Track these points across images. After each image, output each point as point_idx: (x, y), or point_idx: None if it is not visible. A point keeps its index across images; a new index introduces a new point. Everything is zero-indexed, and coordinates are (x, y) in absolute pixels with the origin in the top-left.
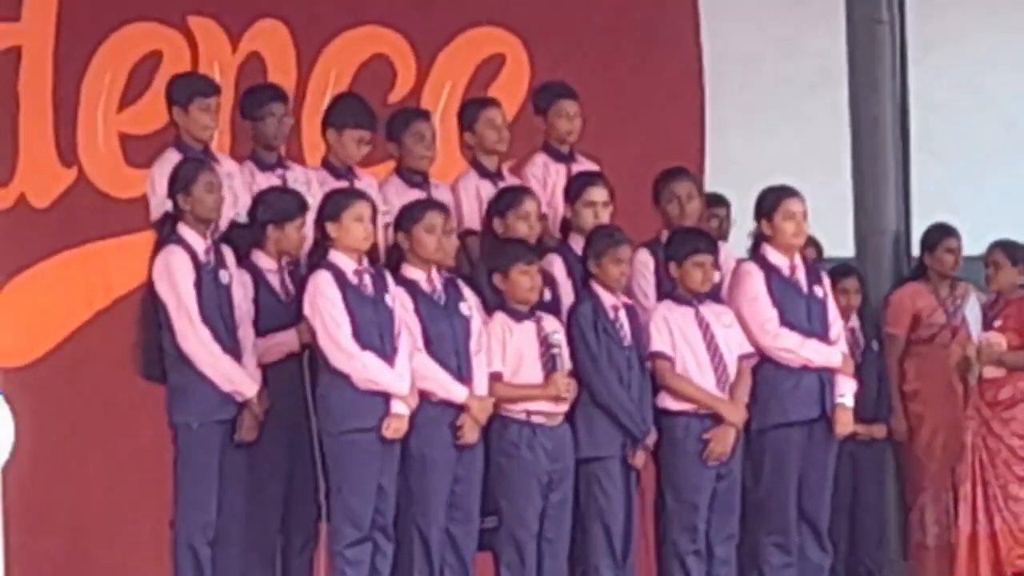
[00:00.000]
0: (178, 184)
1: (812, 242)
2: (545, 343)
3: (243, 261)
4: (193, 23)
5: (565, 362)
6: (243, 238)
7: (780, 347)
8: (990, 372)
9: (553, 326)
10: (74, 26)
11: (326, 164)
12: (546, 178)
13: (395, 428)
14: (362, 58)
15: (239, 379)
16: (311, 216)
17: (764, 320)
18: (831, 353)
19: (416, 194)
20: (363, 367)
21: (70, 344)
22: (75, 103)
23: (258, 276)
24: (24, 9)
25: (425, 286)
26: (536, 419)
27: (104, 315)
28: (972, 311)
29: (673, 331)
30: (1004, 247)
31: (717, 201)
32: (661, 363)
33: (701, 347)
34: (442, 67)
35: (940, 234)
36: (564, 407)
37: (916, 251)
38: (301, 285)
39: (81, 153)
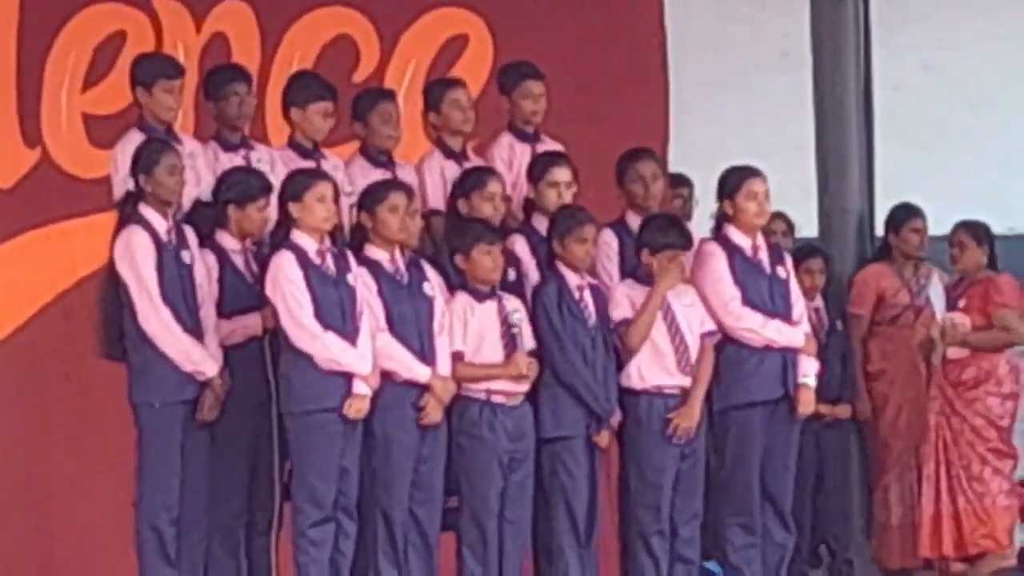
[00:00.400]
0: (140, 165)
1: (782, 218)
2: (506, 323)
3: (207, 241)
4: (157, 3)
5: (526, 341)
6: (207, 218)
7: (743, 327)
8: (954, 353)
9: (514, 305)
10: (38, 6)
11: (292, 144)
12: (511, 159)
13: (357, 408)
14: (326, 38)
15: (200, 359)
16: (275, 197)
17: (727, 300)
18: (793, 333)
19: (381, 174)
20: (325, 347)
21: (34, 324)
22: (39, 83)
23: (223, 256)
24: None
25: (388, 266)
26: (496, 399)
27: (68, 295)
28: (935, 292)
29: (635, 305)
30: (968, 227)
31: (680, 181)
32: (621, 328)
33: (662, 328)
34: (405, 47)
35: (905, 214)
36: (525, 387)
37: (880, 231)
38: (264, 265)
39: (45, 133)
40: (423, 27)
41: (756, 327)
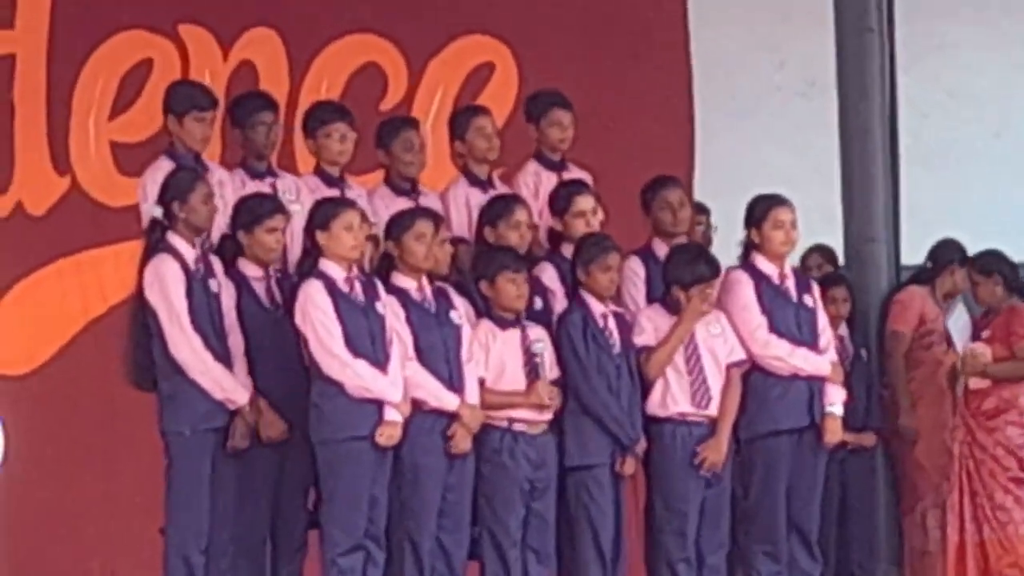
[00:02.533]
0: (172, 192)
1: (824, 251)
2: (528, 351)
3: (229, 270)
4: (184, 31)
5: (548, 370)
6: (230, 248)
7: (770, 355)
8: (975, 383)
9: (537, 334)
10: (67, 34)
11: (318, 172)
12: (537, 187)
13: (389, 435)
14: (354, 66)
15: (231, 387)
16: (298, 222)
17: (754, 328)
18: (820, 361)
19: (405, 202)
20: (356, 375)
21: (66, 353)
22: (68, 111)
23: (242, 283)
24: (17, 17)
25: (416, 295)
26: (518, 427)
27: (99, 323)
28: (957, 322)
29: (659, 332)
30: (976, 263)
31: (698, 209)
32: (645, 352)
33: (680, 357)
34: (433, 75)
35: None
36: (547, 415)
37: (906, 259)
38: (291, 295)
39: (74, 161)
40: (450, 55)
41: (783, 355)
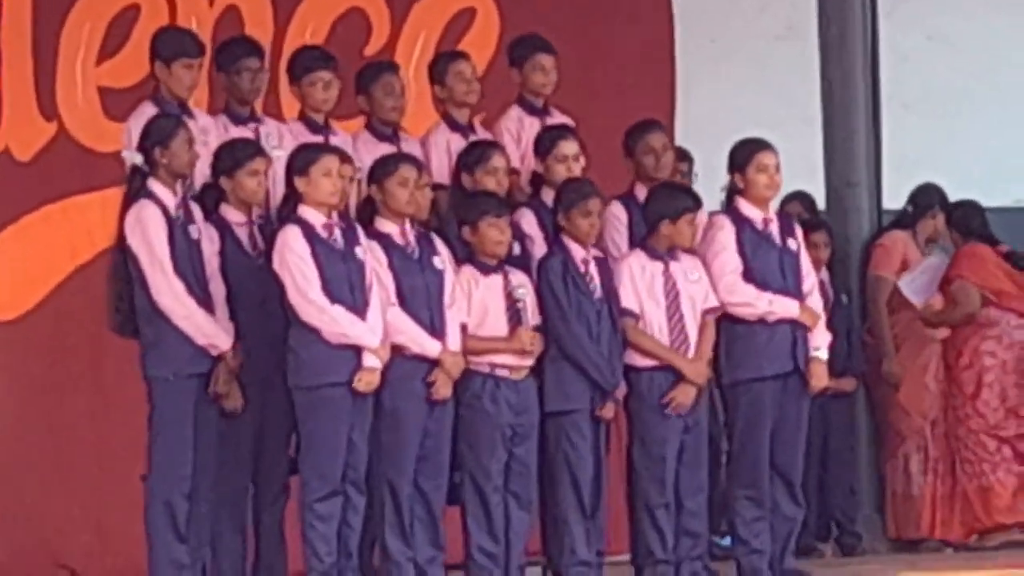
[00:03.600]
0: (153, 137)
1: (803, 197)
2: (511, 297)
3: (211, 216)
4: None
5: (530, 316)
6: (212, 196)
7: (736, 301)
8: (940, 333)
9: (519, 280)
10: None
11: (303, 118)
12: (520, 132)
13: (367, 381)
14: (338, 12)
15: (213, 332)
16: (280, 168)
17: (725, 274)
18: (788, 304)
19: (386, 148)
20: (333, 320)
21: (54, 298)
22: (54, 56)
23: (225, 229)
24: None
25: (398, 240)
26: (500, 372)
27: (87, 268)
28: (911, 277)
29: (639, 287)
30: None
31: (681, 155)
32: (626, 320)
33: (662, 303)
34: (415, 21)
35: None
36: (529, 361)
37: (887, 204)
38: (270, 240)
39: (61, 106)
40: (432, 1)
41: (751, 299)
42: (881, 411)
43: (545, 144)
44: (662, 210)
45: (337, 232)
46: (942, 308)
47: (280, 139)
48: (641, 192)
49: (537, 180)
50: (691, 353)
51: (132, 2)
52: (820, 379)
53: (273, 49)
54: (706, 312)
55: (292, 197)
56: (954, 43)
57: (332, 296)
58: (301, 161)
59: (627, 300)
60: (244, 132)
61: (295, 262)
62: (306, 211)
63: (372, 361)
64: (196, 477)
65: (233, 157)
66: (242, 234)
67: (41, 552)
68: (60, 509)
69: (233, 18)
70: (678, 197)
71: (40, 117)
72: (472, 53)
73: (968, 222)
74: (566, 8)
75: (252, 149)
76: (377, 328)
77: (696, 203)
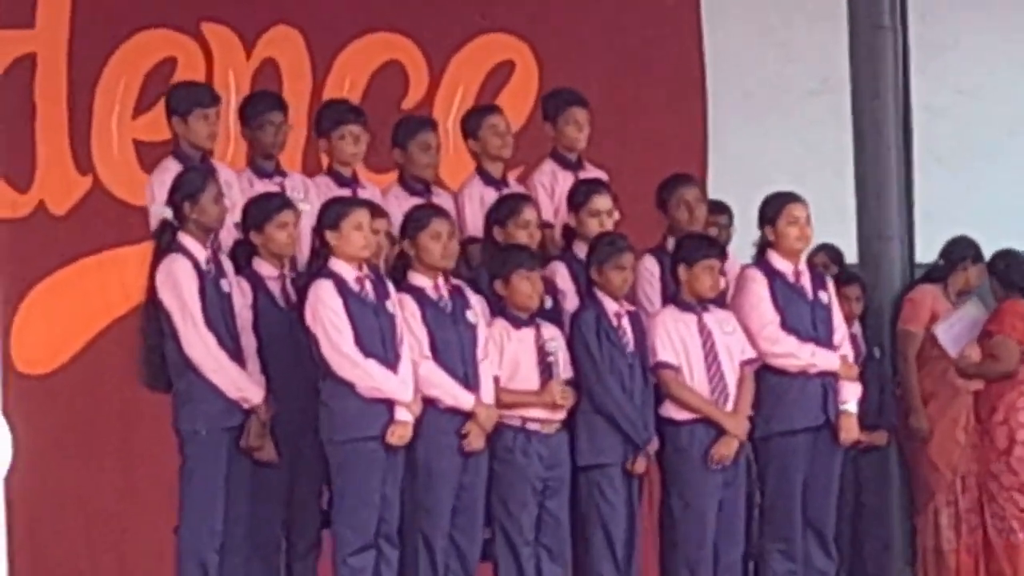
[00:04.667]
0: (183, 192)
1: (830, 250)
2: (542, 350)
3: (244, 271)
4: (207, 30)
5: (562, 370)
6: (244, 252)
7: (779, 351)
8: (973, 385)
9: (551, 333)
10: (88, 33)
11: (330, 172)
12: (554, 186)
13: (399, 435)
14: (376, 64)
15: (245, 385)
16: (307, 222)
17: (764, 325)
18: (830, 357)
19: (417, 202)
20: (366, 374)
21: (88, 352)
22: (89, 110)
23: (258, 283)
24: (38, 16)
25: (432, 293)
26: (532, 426)
27: (122, 322)
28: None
29: (674, 339)
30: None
31: (719, 208)
32: (666, 373)
33: (700, 356)
34: (454, 73)
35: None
36: (561, 415)
37: (920, 257)
38: (300, 295)
39: (96, 160)
40: (470, 53)
41: (793, 351)
42: (911, 466)
43: (579, 198)
44: (680, 256)
45: (368, 286)
46: (980, 361)
47: (305, 192)
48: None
49: (569, 233)
50: (730, 405)
51: (168, 56)
52: (850, 432)
53: (312, 101)
54: (744, 364)
55: (323, 251)
56: (985, 97)
57: (364, 350)
58: (332, 215)
59: (664, 353)
60: (269, 186)
61: (328, 316)
62: (337, 264)
63: (404, 415)
64: (228, 530)
65: (262, 211)
66: (274, 288)
67: None
68: (89, 562)
69: (271, 71)
70: (698, 244)
71: (75, 171)
72: (511, 105)
73: (1010, 274)
74: (603, 61)
75: (280, 202)
76: (409, 382)
77: (717, 252)
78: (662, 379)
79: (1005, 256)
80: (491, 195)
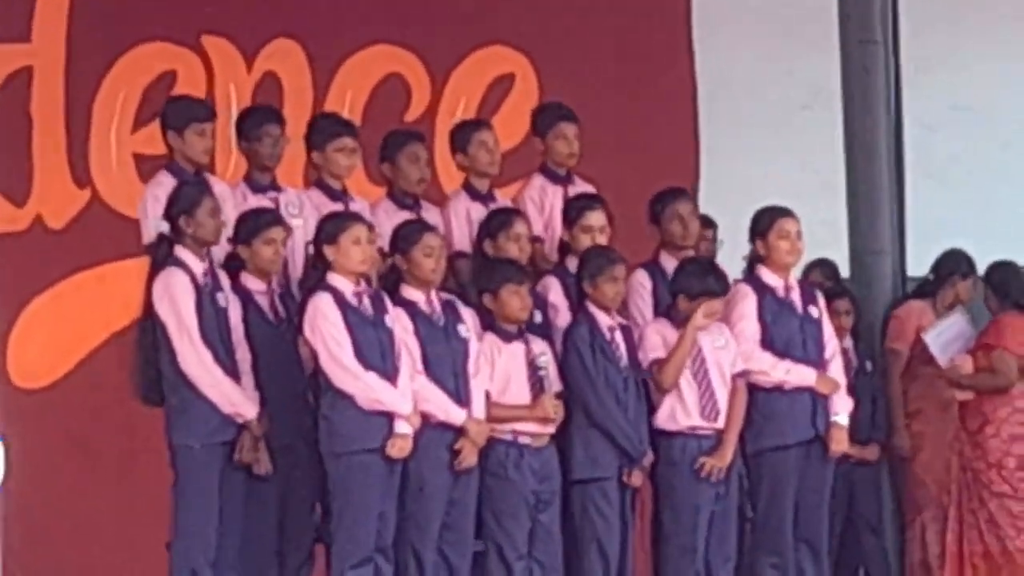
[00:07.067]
0: (179, 207)
1: (825, 265)
2: (533, 365)
3: (234, 285)
4: (207, 43)
5: (552, 383)
6: (235, 264)
7: (752, 368)
8: (961, 395)
9: (540, 348)
10: (86, 46)
11: (320, 185)
12: (543, 200)
13: (400, 448)
14: (377, 77)
15: (239, 400)
16: (300, 236)
17: (744, 341)
18: (804, 373)
19: (407, 216)
20: (367, 387)
21: (87, 365)
22: (87, 124)
23: (246, 298)
24: (34, 29)
25: (424, 307)
26: (523, 440)
27: (122, 336)
28: (935, 334)
29: (668, 346)
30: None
31: (705, 223)
32: (655, 367)
33: (689, 371)
34: (455, 86)
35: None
36: (551, 428)
37: (911, 271)
38: (298, 309)
39: (94, 174)
40: (471, 65)
41: (766, 368)
42: (898, 481)
43: (572, 213)
44: (684, 286)
45: (366, 300)
46: (974, 373)
47: (300, 207)
48: (666, 260)
49: (564, 248)
50: (721, 420)
51: (168, 69)
52: (840, 444)
53: (313, 114)
54: (736, 376)
55: (319, 265)
56: (977, 112)
57: (364, 363)
58: (330, 229)
59: (657, 352)
60: (263, 201)
61: (328, 329)
62: (336, 279)
63: (404, 428)
64: (222, 544)
65: (251, 226)
66: (263, 302)
67: None
68: (84, 568)
69: (272, 84)
70: (704, 279)
71: (73, 184)
72: (512, 118)
73: (1007, 286)
74: (600, 75)
75: (270, 218)
76: (408, 395)
77: (721, 289)
78: (654, 372)
79: (1001, 268)
80: (477, 209)
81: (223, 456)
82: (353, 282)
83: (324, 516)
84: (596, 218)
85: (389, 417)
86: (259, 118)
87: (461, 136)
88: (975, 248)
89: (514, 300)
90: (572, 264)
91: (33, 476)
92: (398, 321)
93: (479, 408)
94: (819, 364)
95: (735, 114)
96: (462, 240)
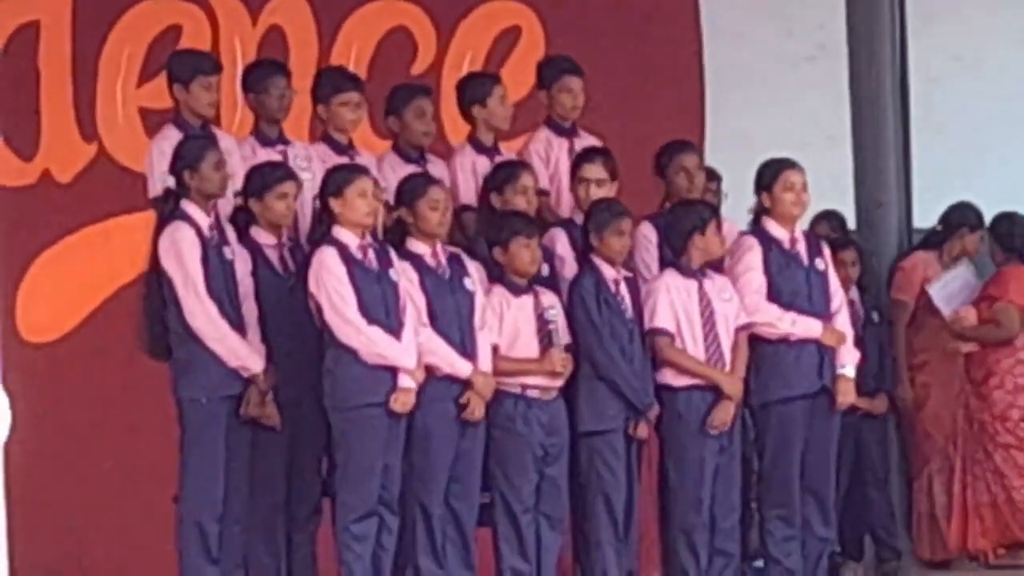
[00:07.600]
0: (184, 160)
1: (833, 217)
2: (542, 318)
3: (243, 239)
4: None
5: (561, 337)
6: (243, 218)
7: (758, 320)
8: (966, 347)
9: (550, 301)
10: (92, 1)
11: (326, 139)
12: (548, 153)
13: (403, 402)
14: (383, 30)
15: (245, 354)
16: (309, 189)
17: (749, 293)
18: (810, 325)
19: (413, 170)
20: (370, 341)
21: (93, 320)
22: (94, 78)
23: (256, 251)
24: None
25: (430, 260)
26: (531, 393)
27: (128, 290)
28: (939, 286)
29: (676, 306)
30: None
31: (709, 175)
32: (661, 339)
33: (697, 322)
34: (461, 39)
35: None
36: (559, 382)
37: (917, 223)
38: (304, 262)
39: (101, 128)
40: (477, 19)
41: (772, 320)
42: (905, 432)
43: (574, 165)
44: (690, 226)
45: (371, 253)
46: (978, 325)
47: (308, 161)
48: None
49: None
50: (726, 370)
51: (173, 23)
52: (847, 395)
53: (318, 68)
54: (739, 330)
55: (325, 218)
56: (982, 64)
57: (368, 317)
58: (336, 182)
59: (660, 319)
60: (272, 154)
61: (332, 283)
62: (341, 232)
63: (408, 382)
64: (228, 499)
65: (263, 180)
66: (273, 256)
67: (70, 570)
68: (92, 529)
69: (277, 38)
70: (698, 210)
71: (80, 139)
72: (518, 71)
73: (1012, 238)
74: (606, 28)
75: (282, 172)
76: (412, 349)
77: (713, 211)
78: (656, 345)
79: (1006, 219)
80: (483, 163)
81: (230, 410)
82: (358, 235)
83: (331, 470)
84: (591, 171)
85: (393, 371)
86: (265, 71)
87: (481, 88)
88: (978, 199)
89: (524, 253)
90: (578, 216)
91: (38, 429)
92: (404, 274)
93: (485, 361)
94: (825, 316)
95: (740, 67)
96: (468, 193)
